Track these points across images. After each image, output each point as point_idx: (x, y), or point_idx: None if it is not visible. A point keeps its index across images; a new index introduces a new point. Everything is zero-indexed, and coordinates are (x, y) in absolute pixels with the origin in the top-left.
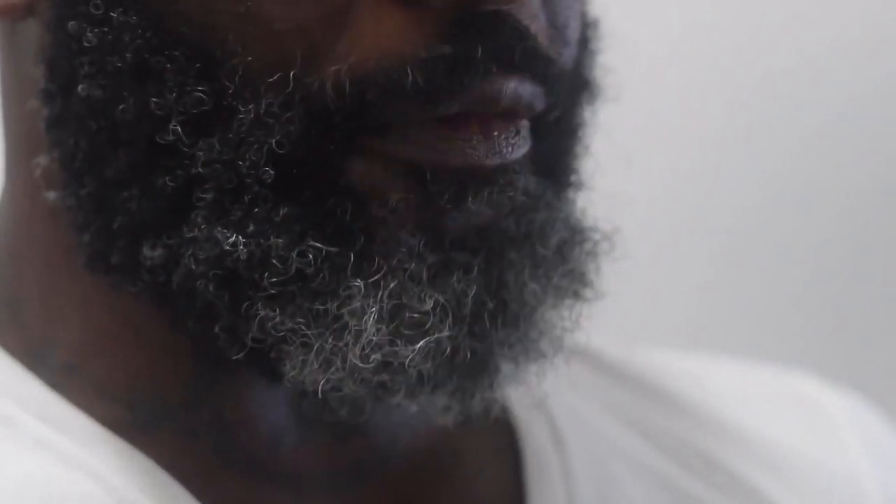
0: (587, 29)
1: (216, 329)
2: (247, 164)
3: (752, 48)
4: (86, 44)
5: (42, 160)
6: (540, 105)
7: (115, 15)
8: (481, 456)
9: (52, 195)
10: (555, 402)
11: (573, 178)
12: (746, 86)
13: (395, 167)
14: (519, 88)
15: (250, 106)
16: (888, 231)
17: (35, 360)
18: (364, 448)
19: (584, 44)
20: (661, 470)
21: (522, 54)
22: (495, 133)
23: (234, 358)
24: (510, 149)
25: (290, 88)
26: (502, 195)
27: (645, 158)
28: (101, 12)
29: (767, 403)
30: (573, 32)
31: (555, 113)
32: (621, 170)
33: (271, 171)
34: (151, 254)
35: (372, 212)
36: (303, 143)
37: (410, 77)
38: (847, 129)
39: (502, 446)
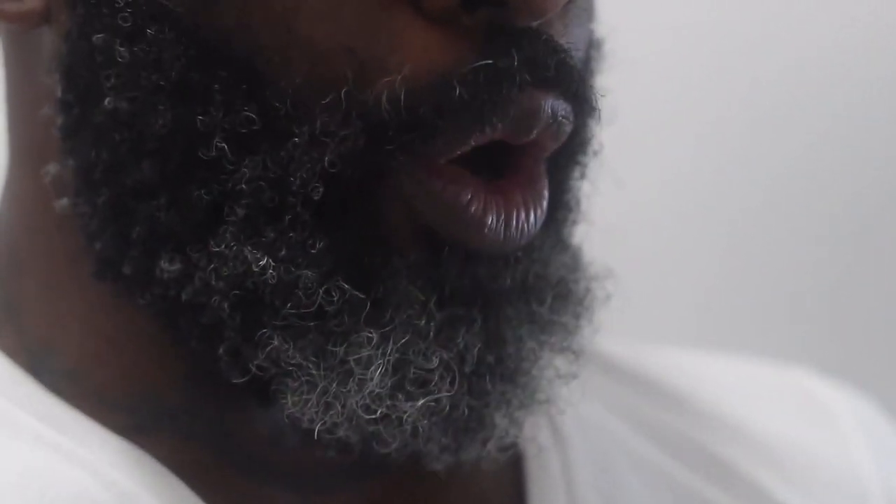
0: (591, 48)
1: (220, 350)
2: (297, 181)
3: (751, 52)
4: (119, 58)
5: (52, 168)
6: (570, 127)
7: (151, 31)
8: None
9: (63, 202)
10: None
11: (572, 203)
12: (747, 86)
13: (421, 229)
14: (555, 106)
15: (304, 127)
16: (888, 230)
17: (35, 365)
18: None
19: (587, 63)
20: (662, 466)
21: (556, 68)
22: (513, 226)
23: (233, 382)
24: (524, 236)
25: (344, 106)
26: (504, 266)
27: (648, 158)
28: (129, 25)
29: (768, 399)
30: (580, 52)
31: (577, 140)
32: (625, 169)
33: (321, 189)
34: (169, 267)
35: (394, 262)
36: (356, 160)
37: (457, 90)
38: (847, 129)
39: None
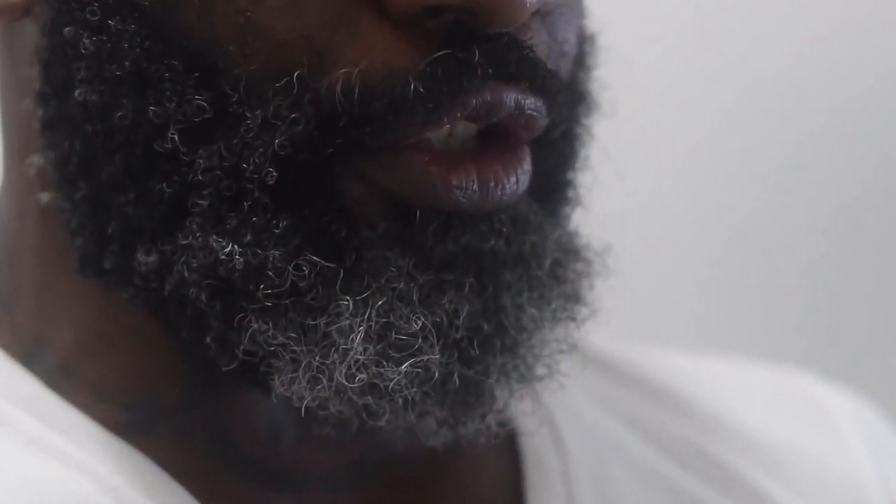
0: (584, 43)
1: (207, 339)
2: (251, 167)
3: (746, 54)
4: (82, 50)
5: (36, 160)
6: (543, 120)
7: (112, 23)
8: (481, 456)
9: (45, 196)
10: (554, 400)
11: (569, 193)
12: (743, 89)
13: (386, 199)
14: (521, 98)
15: (257, 112)
16: (889, 231)
17: (30, 360)
18: (363, 448)
19: (581, 58)
20: (660, 469)
21: (519, 63)
22: (491, 183)
23: (225, 369)
24: (506, 193)
25: (296, 91)
26: (489, 231)
27: (646, 159)
28: (97, 19)
29: (767, 402)
30: (571, 47)
31: (559, 129)
32: (624, 169)
33: (274, 173)
34: (146, 259)
35: (362, 233)
36: (306, 144)
37: (412, 86)
38: (850, 127)
39: (502, 446)
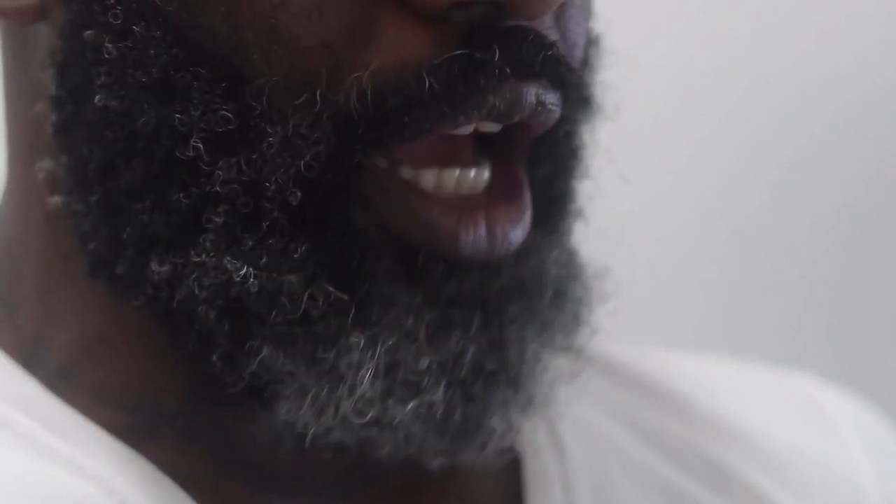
0: (589, 46)
1: (214, 357)
2: (273, 186)
3: (748, 53)
4: (105, 55)
5: (46, 164)
6: (558, 112)
7: (137, 28)
8: None
9: (56, 200)
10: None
11: (569, 206)
12: (744, 89)
13: (390, 236)
14: (541, 94)
15: (278, 127)
16: (889, 231)
17: (30, 362)
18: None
19: (586, 61)
20: (660, 472)
21: (545, 61)
22: (499, 235)
23: (230, 391)
24: (512, 245)
25: (317, 108)
26: (495, 275)
27: (647, 159)
28: (120, 23)
29: (768, 404)
30: (580, 51)
31: (561, 130)
32: (623, 168)
33: (299, 194)
34: (159, 268)
35: (368, 267)
36: (331, 163)
37: (427, 83)
38: (852, 128)
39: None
